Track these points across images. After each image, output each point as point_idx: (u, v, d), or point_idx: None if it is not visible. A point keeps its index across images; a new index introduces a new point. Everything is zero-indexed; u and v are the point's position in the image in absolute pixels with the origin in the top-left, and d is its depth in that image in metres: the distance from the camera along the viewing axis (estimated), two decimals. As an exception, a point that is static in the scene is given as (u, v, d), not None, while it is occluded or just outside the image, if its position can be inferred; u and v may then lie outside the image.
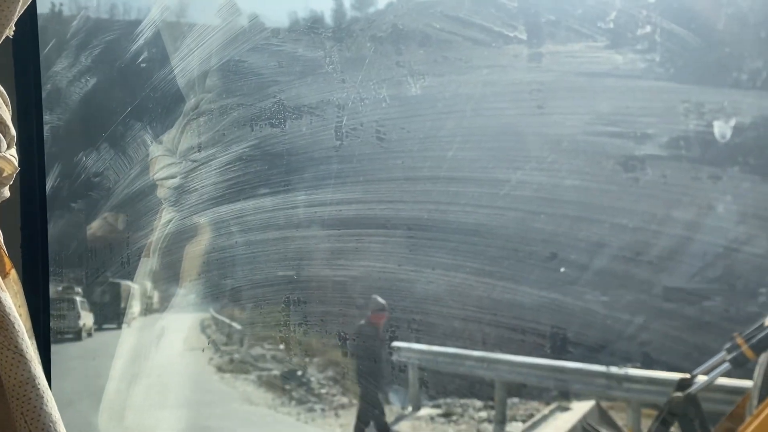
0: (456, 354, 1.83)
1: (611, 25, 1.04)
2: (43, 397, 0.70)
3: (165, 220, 2.24)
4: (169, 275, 2.23)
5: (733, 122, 0.90)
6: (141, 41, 2.47)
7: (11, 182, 0.86)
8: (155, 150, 2.29)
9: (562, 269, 1.08)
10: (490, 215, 1.17)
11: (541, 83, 1.11)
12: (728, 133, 0.90)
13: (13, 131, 0.84)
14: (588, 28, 1.07)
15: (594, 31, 1.07)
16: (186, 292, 2.17)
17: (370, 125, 1.49)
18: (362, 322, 1.62)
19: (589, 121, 1.06)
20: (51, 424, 0.70)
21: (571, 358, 1.05)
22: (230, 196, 1.93)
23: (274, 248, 1.76)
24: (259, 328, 1.79)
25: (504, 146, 1.17)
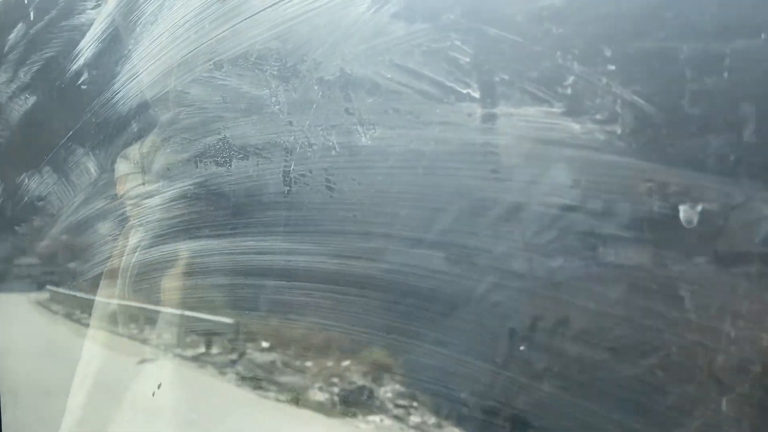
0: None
1: (569, 91, 0.97)
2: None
3: (134, 241, 2.15)
4: (139, 303, 2.14)
5: (699, 208, 0.83)
6: (81, 61, 2.35)
7: None
8: (123, 167, 2.21)
9: (522, 347, 1.01)
10: (447, 281, 1.10)
11: (495, 146, 1.04)
12: (695, 219, 0.84)
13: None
14: (544, 92, 0.99)
15: (550, 95, 0.99)
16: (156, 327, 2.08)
17: (319, 173, 1.41)
18: None
19: (547, 192, 0.99)
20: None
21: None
22: (172, 236, 1.83)
23: (220, 295, 1.67)
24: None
25: (458, 209, 1.09)
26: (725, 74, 0.83)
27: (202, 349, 1.91)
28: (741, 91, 0.81)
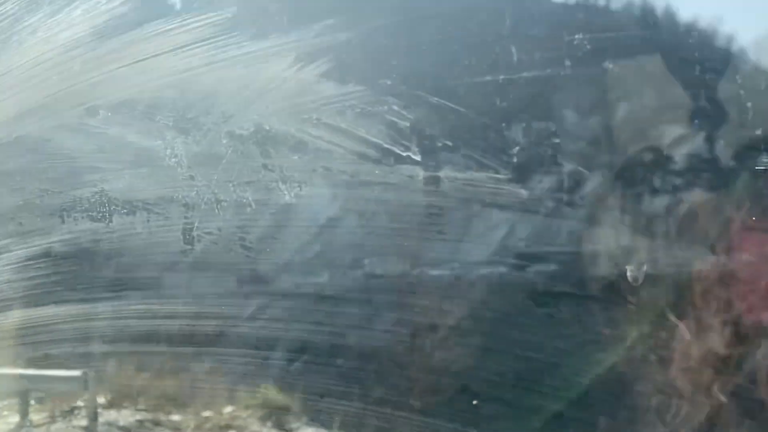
0: None
1: (514, 160, 1.05)
2: None
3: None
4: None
5: (644, 268, 0.95)
6: None
7: None
8: None
9: (474, 402, 1.06)
10: (391, 340, 1.11)
11: (439, 208, 1.08)
12: (641, 278, 0.95)
13: None
14: (490, 159, 1.06)
15: (496, 162, 1.06)
16: None
17: (230, 231, 1.34)
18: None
19: (496, 253, 1.05)
20: None
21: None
22: (33, 299, 1.61)
23: (102, 364, 1.50)
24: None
25: (403, 271, 1.11)
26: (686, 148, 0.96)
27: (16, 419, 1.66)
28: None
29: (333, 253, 1.14)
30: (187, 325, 1.40)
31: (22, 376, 1.60)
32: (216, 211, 1.37)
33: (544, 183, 0.92)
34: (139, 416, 1.41)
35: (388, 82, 1.10)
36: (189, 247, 1.41)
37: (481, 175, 1.03)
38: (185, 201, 1.40)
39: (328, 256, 1.10)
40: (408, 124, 1.11)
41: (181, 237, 1.41)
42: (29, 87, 1.59)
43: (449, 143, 1.04)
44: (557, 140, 0.90)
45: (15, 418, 1.59)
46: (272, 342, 1.27)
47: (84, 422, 1.52)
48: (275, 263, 1.22)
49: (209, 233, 1.36)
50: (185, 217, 1.41)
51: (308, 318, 1.18)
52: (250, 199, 1.33)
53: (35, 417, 1.57)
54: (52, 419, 1.59)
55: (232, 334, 1.32)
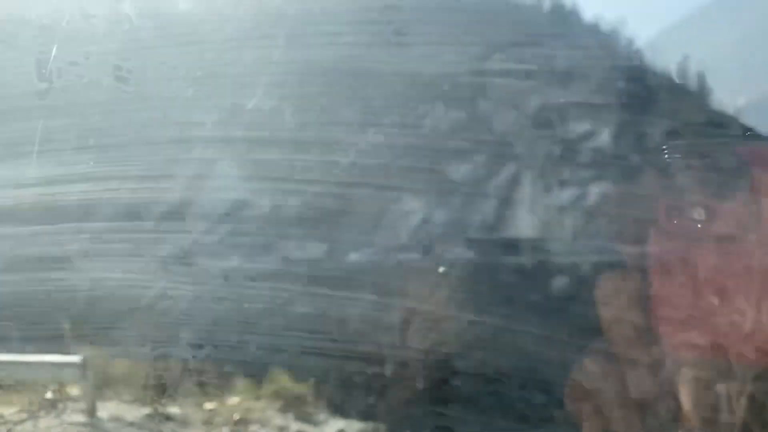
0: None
1: None
2: None
3: None
4: None
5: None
6: None
7: None
8: None
9: (441, 268, 0.73)
10: (323, 195, 0.76)
11: None
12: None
13: None
14: None
15: None
16: None
17: (102, 58, 0.97)
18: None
19: (478, 55, 0.72)
20: None
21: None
22: None
23: None
24: None
25: (345, 92, 0.76)
26: None
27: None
28: None
29: (246, 77, 0.81)
30: (50, 194, 1.02)
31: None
32: (82, 31, 0.98)
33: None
34: (128, 407, 1.06)
35: None
36: (46, 84, 1.02)
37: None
38: (41, 21, 1.02)
39: (234, 89, 0.78)
40: None
41: (35, 72, 1.03)
42: None
43: None
44: None
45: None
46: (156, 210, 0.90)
47: (74, 417, 1.20)
48: (163, 98, 0.87)
49: (74, 63, 0.98)
50: (41, 44, 1.02)
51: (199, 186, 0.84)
52: (128, 11, 0.95)
53: (5, 411, 1.20)
54: (32, 414, 1.21)
55: (109, 204, 0.94)
